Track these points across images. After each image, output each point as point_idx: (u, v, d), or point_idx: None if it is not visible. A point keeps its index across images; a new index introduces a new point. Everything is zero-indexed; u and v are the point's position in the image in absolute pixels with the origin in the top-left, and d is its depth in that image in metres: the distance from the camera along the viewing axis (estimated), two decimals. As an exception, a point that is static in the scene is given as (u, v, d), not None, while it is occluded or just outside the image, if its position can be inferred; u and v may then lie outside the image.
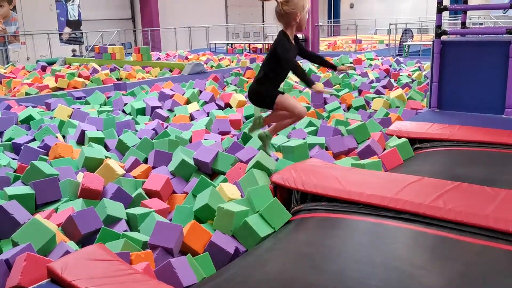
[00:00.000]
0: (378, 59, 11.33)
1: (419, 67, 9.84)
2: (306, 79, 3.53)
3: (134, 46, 19.21)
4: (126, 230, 2.94)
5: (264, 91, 3.64)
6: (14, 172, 3.93)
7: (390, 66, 10.11)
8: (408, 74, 8.91)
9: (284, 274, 2.33)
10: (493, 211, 2.62)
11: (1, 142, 4.87)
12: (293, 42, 3.66)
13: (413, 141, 4.43)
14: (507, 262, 2.30)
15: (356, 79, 8.27)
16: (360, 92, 7.28)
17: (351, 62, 10.46)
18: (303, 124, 5.09)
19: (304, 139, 4.45)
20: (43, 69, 11.34)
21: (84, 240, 2.84)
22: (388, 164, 3.93)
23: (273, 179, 3.41)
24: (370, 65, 10.45)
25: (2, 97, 8.07)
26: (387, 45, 16.69)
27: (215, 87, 7.31)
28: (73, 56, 16.22)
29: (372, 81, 8.14)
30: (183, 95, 6.95)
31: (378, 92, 7.11)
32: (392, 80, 8.09)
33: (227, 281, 2.36)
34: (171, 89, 7.35)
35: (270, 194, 3.23)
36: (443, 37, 5.60)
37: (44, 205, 3.30)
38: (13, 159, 4.34)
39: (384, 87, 7.46)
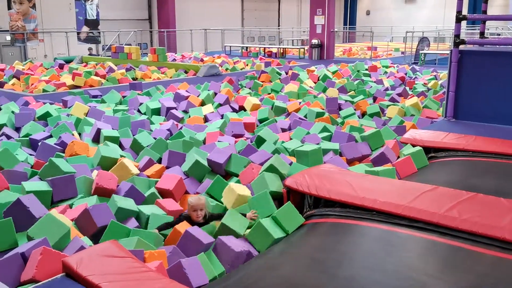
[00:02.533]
0: (394, 67, 11.27)
1: (435, 76, 9.78)
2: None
3: (150, 47, 19.36)
4: (137, 227, 2.98)
5: None
6: (31, 167, 3.99)
7: (406, 74, 10.06)
8: (424, 83, 8.86)
9: (295, 278, 2.33)
10: (509, 222, 2.60)
11: (19, 137, 4.94)
12: None
13: (427, 150, 4.40)
14: (521, 275, 2.27)
15: (371, 86, 8.25)
16: (375, 99, 7.25)
17: (366, 69, 10.42)
18: (317, 129, 5.08)
19: (318, 144, 4.45)
20: (61, 66, 11.47)
21: (96, 236, 2.88)
22: (402, 172, 3.91)
23: (287, 183, 3.42)
24: (386, 72, 10.40)
25: (20, 93, 8.19)
26: (402, 53, 16.58)
27: (229, 90, 7.33)
28: (89, 55, 16.38)
29: (387, 89, 8.11)
30: (198, 96, 6.99)
31: (393, 100, 7.08)
32: (407, 88, 8.05)
33: (237, 283, 2.36)
34: (186, 91, 7.40)
35: (271, 202, 3.20)
36: (461, 47, 5.57)
37: (59, 201, 3.35)
38: (30, 154, 4.41)
39: (399, 95, 7.43)
